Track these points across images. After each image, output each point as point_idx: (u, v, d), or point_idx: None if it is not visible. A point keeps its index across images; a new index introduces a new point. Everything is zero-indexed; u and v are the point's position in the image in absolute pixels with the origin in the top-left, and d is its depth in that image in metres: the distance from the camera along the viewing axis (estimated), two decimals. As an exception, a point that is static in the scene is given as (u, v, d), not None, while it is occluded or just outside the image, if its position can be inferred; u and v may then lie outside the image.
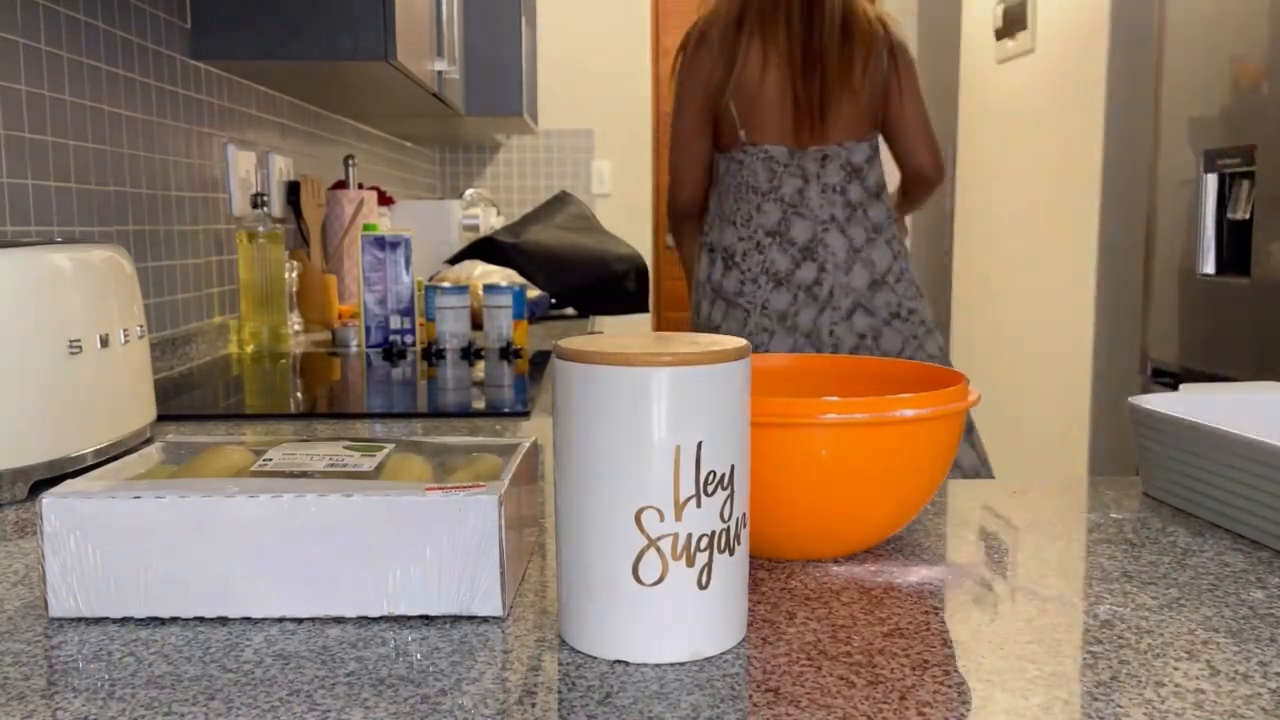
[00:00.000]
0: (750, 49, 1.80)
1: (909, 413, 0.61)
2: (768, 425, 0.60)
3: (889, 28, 1.86)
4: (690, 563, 0.50)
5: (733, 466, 0.51)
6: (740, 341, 0.53)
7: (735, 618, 0.53)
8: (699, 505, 0.50)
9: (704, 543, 0.50)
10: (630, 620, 0.50)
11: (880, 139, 1.89)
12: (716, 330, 1.85)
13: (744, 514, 0.53)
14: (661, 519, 0.50)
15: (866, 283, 1.80)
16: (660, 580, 0.50)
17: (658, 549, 0.50)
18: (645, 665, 0.50)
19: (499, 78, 2.95)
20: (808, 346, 1.79)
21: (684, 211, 1.95)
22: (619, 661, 0.51)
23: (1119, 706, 0.46)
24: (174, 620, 0.56)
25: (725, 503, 0.51)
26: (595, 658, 0.51)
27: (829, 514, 0.63)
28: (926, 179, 1.92)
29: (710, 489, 0.50)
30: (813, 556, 0.66)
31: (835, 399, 0.60)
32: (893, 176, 1.97)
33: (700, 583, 0.51)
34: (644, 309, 2.38)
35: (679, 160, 1.90)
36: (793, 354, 0.79)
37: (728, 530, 0.51)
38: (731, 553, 0.52)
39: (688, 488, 0.50)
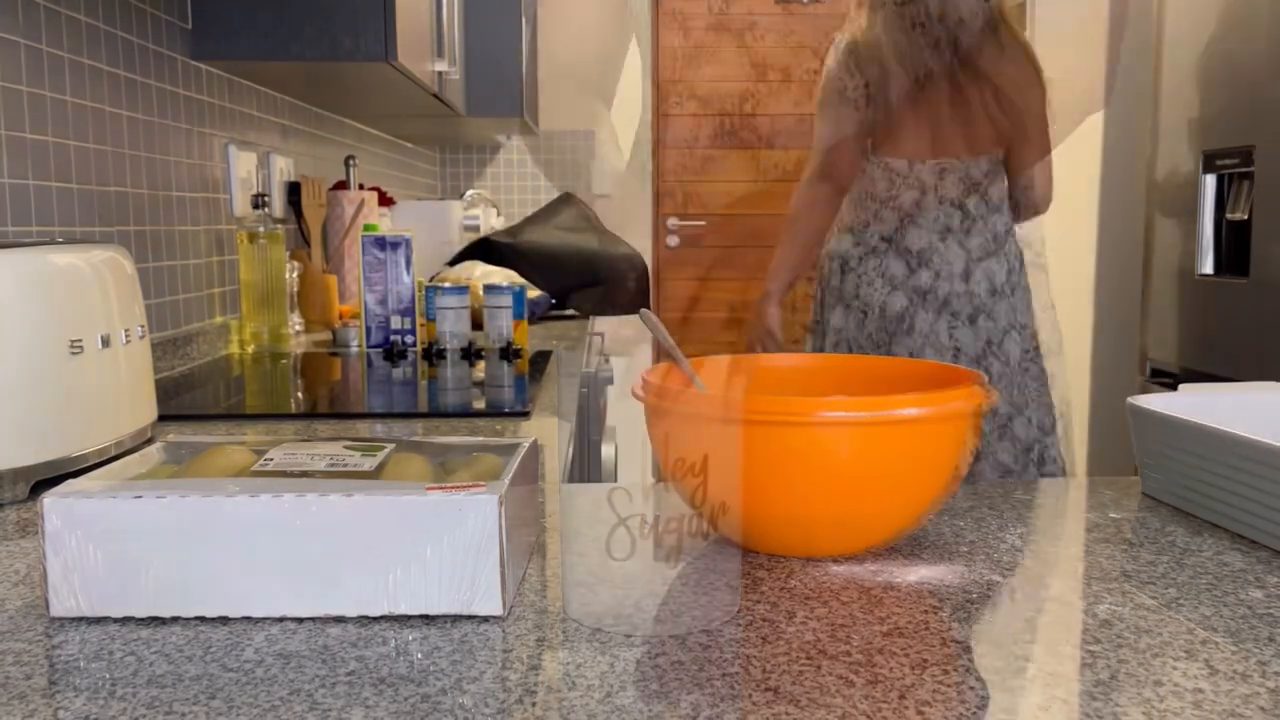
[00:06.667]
0: (886, 70, 1.80)
1: (911, 412, 0.61)
2: (769, 424, 0.61)
3: (1028, 52, 1.90)
4: (658, 543, 0.55)
5: (705, 457, 0.55)
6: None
7: (707, 600, 0.55)
8: (666, 490, 0.56)
9: (672, 525, 0.55)
10: (605, 590, 0.55)
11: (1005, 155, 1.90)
12: (838, 331, 1.88)
13: (722, 503, 0.56)
14: (630, 500, 0.54)
15: (988, 290, 1.82)
16: (629, 556, 0.54)
17: (627, 527, 0.54)
18: (620, 635, 0.53)
19: (499, 78, 2.95)
20: (926, 349, 1.79)
21: (836, 182, 1.88)
22: (597, 630, 0.54)
23: (1118, 706, 0.46)
24: (175, 620, 0.56)
25: (697, 490, 0.55)
26: (594, 656, 0.51)
27: (830, 513, 0.63)
28: (1032, 204, 1.94)
29: (679, 476, 0.55)
30: (813, 555, 0.66)
31: (839, 398, 0.61)
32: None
33: (669, 562, 0.56)
34: (645, 309, 2.38)
35: (835, 159, 1.86)
36: (800, 354, 0.79)
37: (696, 517, 0.55)
38: (704, 538, 0.56)
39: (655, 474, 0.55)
